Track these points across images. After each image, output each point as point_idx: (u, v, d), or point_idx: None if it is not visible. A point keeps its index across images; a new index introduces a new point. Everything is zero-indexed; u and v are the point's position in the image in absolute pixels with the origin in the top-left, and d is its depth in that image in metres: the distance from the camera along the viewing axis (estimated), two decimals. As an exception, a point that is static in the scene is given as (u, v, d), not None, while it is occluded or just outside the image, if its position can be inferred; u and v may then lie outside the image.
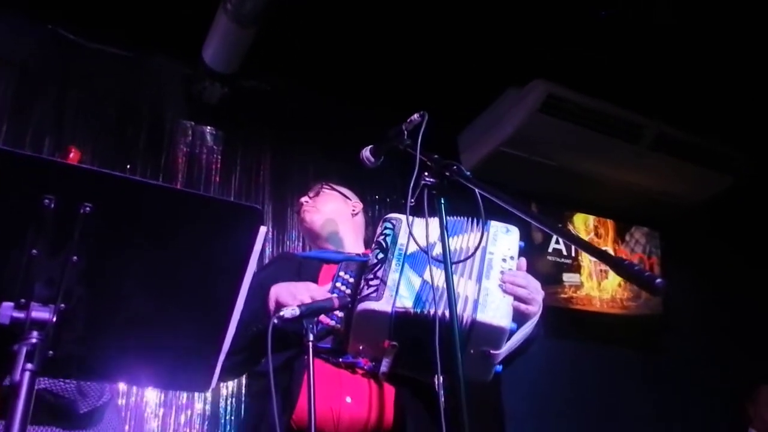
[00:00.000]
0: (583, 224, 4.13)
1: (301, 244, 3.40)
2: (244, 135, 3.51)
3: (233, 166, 3.45)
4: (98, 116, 3.15)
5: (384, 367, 1.42)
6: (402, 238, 1.50)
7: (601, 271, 4.10)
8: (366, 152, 1.68)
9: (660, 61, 3.47)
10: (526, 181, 3.85)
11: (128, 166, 3.16)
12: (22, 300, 0.86)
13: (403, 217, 1.48)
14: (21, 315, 0.84)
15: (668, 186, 4.01)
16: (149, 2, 3.11)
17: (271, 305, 1.49)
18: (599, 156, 3.69)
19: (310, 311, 1.38)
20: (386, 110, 3.51)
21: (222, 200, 1.12)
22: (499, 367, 1.42)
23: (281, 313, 1.33)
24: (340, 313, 1.50)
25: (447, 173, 1.33)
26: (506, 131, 3.48)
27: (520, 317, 1.44)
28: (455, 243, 1.50)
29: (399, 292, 1.39)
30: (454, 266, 1.34)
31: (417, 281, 1.43)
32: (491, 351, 1.36)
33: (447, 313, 1.26)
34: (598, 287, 4.08)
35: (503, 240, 1.54)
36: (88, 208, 0.86)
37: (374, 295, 1.39)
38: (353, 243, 1.93)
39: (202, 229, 0.91)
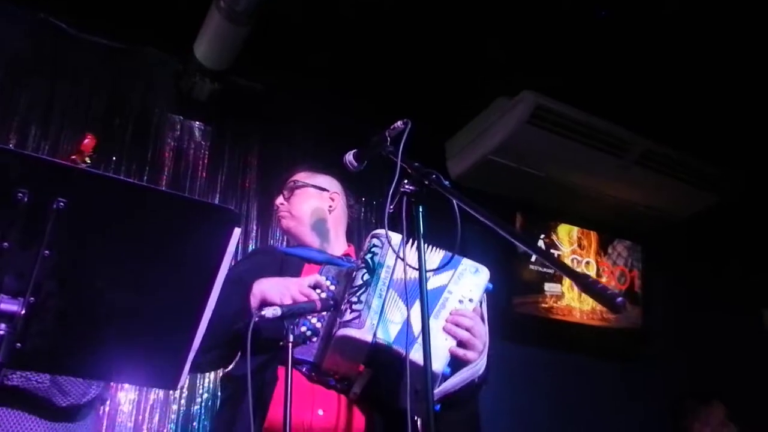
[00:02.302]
0: (566, 235, 4.16)
1: (285, 242, 3.40)
2: (233, 132, 3.51)
3: (220, 162, 3.44)
4: (86, 107, 3.14)
5: (356, 388, 1.44)
6: (389, 259, 1.51)
7: (582, 282, 4.12)
8: (349, 156, 1.69)
9: (649, 77, 3.50)
10: (511, 190, 3.88)
11: (114, 158, 3.14)
12: (-8, 290, 0.87)
13: (392, 236, 1.48)
14: (-11, 306, 0.85)
15: (652, 201, 4.05)
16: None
17: (254, 302, 1.49)
18: (585, 168, 3.72)
19: (292, 312, 1.38)
20: (375, 114, 3.54)
21: (196, 201, 1.12)
22: (437, 407, 1.42)
23: (262, 313, 1.33)
24: (318, 323, 1.51)
25: (426, 182, 1.34)
26: (494, 140, 3.51)
27: (457, 361, 1.45)
28: (430, 276, 1.49)
29: (379, 324, 1.40)
30: (416, 300, 1.35)
31: (397, 314, 1.44)
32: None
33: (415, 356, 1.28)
34: (579, 298, 4.10)
35: (468, 280, 1.54)
36: (61, 204, 0.86)
37: (356, 321, 1.40)
38: (334, 239, 1.92)
39: (175, 227, 0.92)
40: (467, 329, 1.46)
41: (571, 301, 4.06)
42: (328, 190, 1.96)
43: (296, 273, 1.70)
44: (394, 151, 1.48)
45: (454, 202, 1.29)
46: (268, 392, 1.45)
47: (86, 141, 1.95)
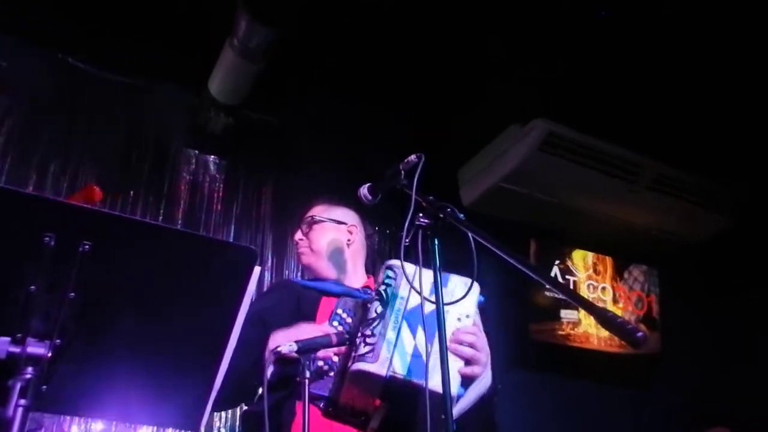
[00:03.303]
0: (581, 261, 4.14)
1: (300, 273, 3.42)
2: (247, 164, 3.55)
3: (235, 195, 3.49)
4: (104, 143, 3.20)
5: (374, 423, 1.44)
6: (403, 291, 1.51)
7: (599, 308, 4.09)
8: (364, 190, 1.70)
9: (659, 101, 3.51)
10: (525, 216, 3.88)
11: (131, 192, 3.19)
12: (19, 335, 0.88)
13: (406, 267, 1.49)
14: (17, 350, 0.86)
15: (666, 224, 4.03)
16: (158, 33, 3.18)
17: (269, 356, 1.49)
18: (598, 194, 3.71)
19: (308, 347, 1.38)
20: (388, 144, 3.59)
21: (217, 240, 1.14)
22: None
23: (279, 349, 1.34)
24: (335, 357, 1.51)
25: (441, 215, 1.36)
26: (506, 168, 3.52)
27: (467, 378, 1.47)
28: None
29: (394, 357, 1.40)
30: (427, 325, 1.35)
31: (411, 345, 1.44)
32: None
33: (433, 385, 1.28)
34: (596, 324, 4.06)
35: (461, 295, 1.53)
36: (87, 247, 0.88)
37: (370, 355, 1.40)
38: (353, 272, 1.93)
39: (197, 267, 0.94)
40: (470, 345, 1.47)
41: (588, 328, 4.03)
42: (345, 223, 1.98)
43: (313, 307, 1.71)
44: (409, 185, 1.49)
45: (470, 235, 1.30)
46: (285, 429, 1.45)
47: (96, 197, 1.97)
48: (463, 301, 1.49)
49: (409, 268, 1.48)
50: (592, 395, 3.98)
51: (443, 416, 1.20)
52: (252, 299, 1.94)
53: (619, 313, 4.16)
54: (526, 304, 3.84)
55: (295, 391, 1.47)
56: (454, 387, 1.40)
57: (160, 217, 3.21)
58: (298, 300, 1.74)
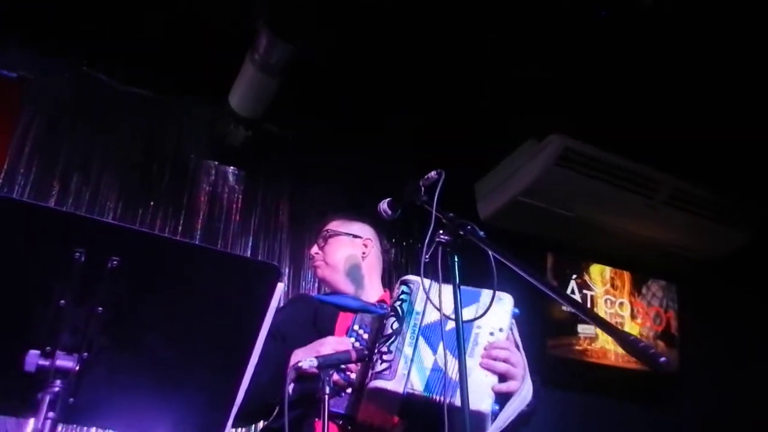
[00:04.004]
0: (599, 275, 4.12)
1: (317, 284, 3.43)
2: (265, 176, 3.58)
3: (253, 206, 3.51)
4: (124, 154, 3.25)
5: None
6: (418, 305, 1.51)
7: (616, 323, 4.06)
8: (383, 205, 1.72)
9: (674, 115, 3.50)
10: (542, 230, 3.87)
11: (151, 203, 3.23)
12: (48, 348, 0.90)
13: (419, 280, 1.49)
14: (46, 363, 0.88)
15: (684, 240, 4.00)
16: (179, 47, 3.22)
17: (289, 372, 1.49)
18: (615, 209, 3.70)
19: (328, 363, 1.39)
20: (405, 157, 3.61)
21: (241, 257, 1.16)
22: None
23: (300, 364, 1.35)
24: (353, 373, 1.51)
25: (461, 232, 1.36)
26: (523, 182, 3.52)
27: (503, 395, 1.45)
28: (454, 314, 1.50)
29: (411, 373, 1.40)
30: (451, 340, 1.35)
31: (430, 361, 1.44)
32: None
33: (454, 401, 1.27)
34: (613, 341, 4.03)
35: (494, 309, 1.53)
36: (115, 262, 0.90)
37: (387, 372, 1.40)
38: (369, 286, 1.94)
39: (221, 284, 0.95)
40: (504, 360, 1.45)
41: (605, 344, 4.00)
42: (361, 237, 1.99)
43: (331, 321, 1.71)
44: (429, 201, 1.50)
45: (490, 253, 1.31)
46: (305, 445, 1.46)
47: None
48: (496, 314, 1.49)
49: (425, 282, 1.49)
50: (609, 412, 3.94)
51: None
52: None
53: (637, 329, 4.13)
54: (544, 318, 3.82)
55: (313, 409, 1.47)
56: (488, 404, 1.38)
57: (180, 227, 3.24)
58: (314, 314, 1.75)
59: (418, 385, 1.40)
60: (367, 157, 3.71)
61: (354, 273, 1.91)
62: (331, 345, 1.51)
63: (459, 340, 1.31)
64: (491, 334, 1.50)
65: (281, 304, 2.34)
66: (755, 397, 3.96)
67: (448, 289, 1.43)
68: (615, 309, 4.10)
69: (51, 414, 0.87)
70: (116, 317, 0.92)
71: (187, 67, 3.29)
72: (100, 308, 0.91)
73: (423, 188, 1.57)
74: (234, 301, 0.96)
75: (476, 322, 1.50)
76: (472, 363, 1.43)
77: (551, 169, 3.45)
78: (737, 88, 3.25)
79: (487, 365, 1.44)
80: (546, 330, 3.81)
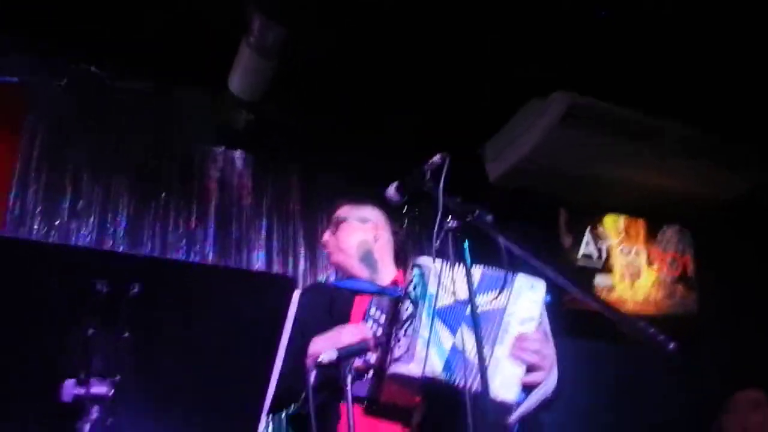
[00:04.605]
0: (613, 226, 4.13)
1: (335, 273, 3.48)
2: (273, 157, 3.60)
3: (264, 188, 3.54)
4: (131, 150, 3.27)
5: (416, 418, 1.49)
6: (432, 287, 1.52)
7: (633, 272, 4.09)
8: (391, 190, 1.72)
9: (677, 62, 3.44)
10: (553, 188, 3.87)
11: (163, 195, 3.27)
12: (82, 375, 0.94)
13: (431, 263, 1.51)
14: (82, 391, 0.93)
15: (695, 186, 3.98)
16: (174, 38, 3.20)
17: (310, 362, 1.53)
18: (625, 161, 3.68)
19: (348, 354, 1.43)
20: (412, 127, 3.60)
21: (257, 273, 1.19)
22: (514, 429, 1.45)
23: (320, 360, 1.38)
24: (373, 356, 1.55)
25: (468, 218, 1.38)
26: (529, 143, 3.51)
27: (528, 385, 1.48)
28: (485, 299, 1.51)
29: (429, 356, 1.43)
30: (477, 325, 1.37)
31: (448, 342, 1.46)
32: (500, 422, 1.40)
33: (474, 385, 1.30)
34: (630, 288, 4.07)
35: (525, 298, 1.54)
36: (136, 289, 0.94)
37: (405, 356, 1.43)
38: (383, 268, 1.96)
39: (240, 300, 0.99)
40: (534, 352, 1.48)
41: (623, 293, 4.03)
42: (371, 221, 2.01)
43: (347, 306, 1.74)
44: (435, 186, 1.51)
45: (500, 241, 1.32)
46: (332, 430, 1.51)
47: None
48: (528, 302, 1.50)
49: (436, 264, 1.51)
50: (629, 357, 3.98)
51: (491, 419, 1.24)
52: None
53: (654, 275, 4.15)
54: (558, 272, 3.84)
55: (337, 393, 1.52)
56: (514, 393, 1.42)
57: (193, 217, 3.29)
58: (331, 301, 1.78)
59: (437, 367, 1.44)
60: (374, 130, 3.71)
61: (367, 257, 1.94)
62: (349, 332, 1.55)
63: (476, 323, 1.34)
64: (521, 323, 1.51)
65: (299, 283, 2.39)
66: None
67: (459, 274, 1.46)
68: (631, 257, 4.12)
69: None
70: (143, 340, 0.96)
71: (185, 57, 3.27)
72: (127, 333, 0.95)
73: (428, 173, 1.57)
74: (253, 315, 1.00)
75: (507, 309, 1.51)
76: (502, 352, 1.46)
77: (557, 128, 3.43)
78: (739, 33, 3.18)
79: (518, 356, 1.46)
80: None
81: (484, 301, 1.52)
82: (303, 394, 1.60)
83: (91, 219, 3.04)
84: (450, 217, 1.42)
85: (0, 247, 0.91)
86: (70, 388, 0.93)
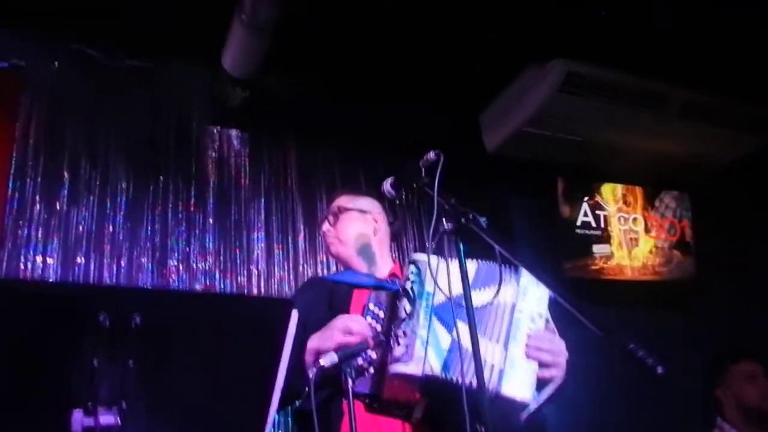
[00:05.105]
0: (611, 194, 4.13)
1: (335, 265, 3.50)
2: (269, 135, 3.58)
3: (261, 166, 3.53)
4: (128, 132, 3.25)
5: (417, 413, 1.53)
6: (428, 284, 1.55)
7: (631, 239, 4.11)
8: (387, 185, 1.74)
9: (681, 23, 3.39)
10: (551, 157, 3.86)
11: (161, 178, 3.27)
12: (89, 404, 0.97)
13: (427, 260, 1.53)
14: (90, 422, 0.96)
15: (694, 150, 3.98)
16: (167, 15, 3.15)
17: (309, 359, 1.57)
18: (623, 127, 3.67)
19: (347, 355, 1.46)
20: (407, 96, 3.58)
21: (255, 299, 1.21)
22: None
23: (321, 363, 1.42)
24: (373, 353, 1.58)
25: (463, 220, 1.39)
26: (527, 111, 3.49)
27: (541, 381, 1.52)
28: (487, 294, 1.53)
29: (428, 354, 1.46)
30: (481, 321, 1.39)
31: (446, 341, 1.49)
32: (513, 418, 1.44)
33: (473, 382, 1.33)
34: (629, 256, 4.10)
35: (533, 293, 1.56)
36: (138, 319, 0.96)
37: (405, 357, 1.47)
38: (380, 260, 1.99)
39: (239, 326, 1.01)
40: (548, 350, 1.52)
41: (621, 260, 4.07)
42: (371, 213, 2.02)
43: (346, 300, 1.78)
44: (430, 184, 1.51)
45: (496, 248, 1.34)
46: (335, 426, 1.55)
47: None
48: (536, 299, 1.53)
49: (434, 261, 1.53)
50: (628, 321, 4.03)
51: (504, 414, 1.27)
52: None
53: (651, 242, 4.18)
54: (559, 243, 3.88)
55: (339, 390, 1.56)
56: (530, 392, 1.46)
57: (192, 200, 3.29)
58: (330, 296, 1.81)
59: (436, 367, 1.47)
60: (370, 103, 3.68)
61: (366, 249, 1.96)
62: (343, 329, 1.56)
63: (470, 319, 1.36)
64: (532, 320, 1.53)
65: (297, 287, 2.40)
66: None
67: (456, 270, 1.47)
68: (629, 225, 4.14)
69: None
70: (147, 368, 0.98)
71: (179, 35, 3.23)
72: (131, 362, 0.98)
73: (423, 169, 1.57)
74: (253, 339, 1.02)
75: (517, 306, 1.53)
76: (516, 351, 1.48)
77: (555, 96, 3.41)
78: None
79: (534, 356, 1.49)
80: (562, 254, 3.88)
81: (484, 295, 1.55)
82: (305, 391, 1.65)
83: (91, 205, 3.04)
84: (445, 219, 1.43)
85: (7, 290, 0.94)
86: (78, 419, 0.96)
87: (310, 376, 1.44)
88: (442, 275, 1.47)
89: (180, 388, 1.01)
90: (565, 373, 1.56)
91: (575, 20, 3.31)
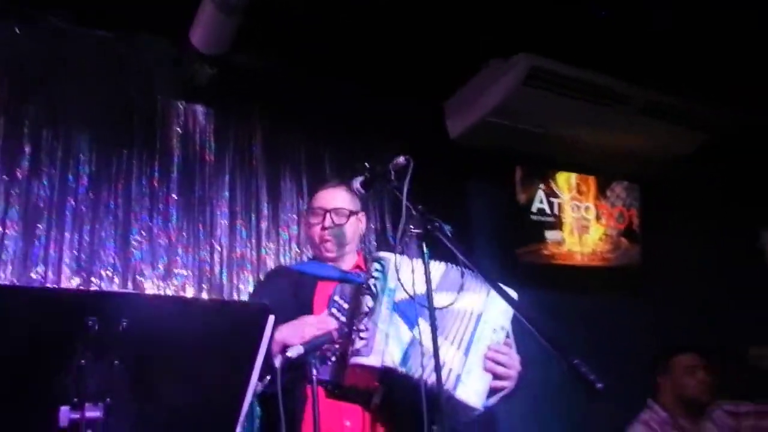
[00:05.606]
0: (566, 183, 4.29)
1: (296, 216, 3.57)
2: (235, 112, 3.59)
3: (226, 144, 3.54)
4: (92, 103, 3.21)
5: (376, 399, 1.63)
6: (391, 282, 1.64)
7: (582, 226, 4.30)
8: (356, 184, 1.80)
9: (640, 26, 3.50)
10: (512, 146, 3.98)
11: (125, 151, 3.25)
12: (76, 399, 1.04)
13: (391, 258, 1.61)
14: (77, 416, 1.02)
15: (647, 145, 4.15)
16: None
17: (276, 348, 1.64)
18: (582, 122, 3.80)
19: (313, 347, 1.55)
20: (373, 80, 3.63)
21: (234, 303, 1.28)
22: None
23: (288, 354, 1.50)
24: (336, 344, 1.67)
25: (429, 227, 1.47)
26: (491, 103, 3.58)
27: (492, 390, 1.63)
28: (452, 299, 1.62)
29: (388, 347, 1.56)
30: (444, 324, 1.49)
31: (406, 336, 1.59)
32: (461, 419, 1.55)
33: (430, 379, 1.43)
34: (579, 242, 4.29)
35: (500, 306, 1.64)
36: (125, 323, 1.02)
37: (365, 349, 1.56)
38: (349, 251, 2.06)
39: (219, 329, 1.08)
40: (504, 364, 1.62)
41: (572, 246, 4.25)
42: (358, 213, 2.07)
43: (310, 293, 1.84)
44: (399, 188, 1.59)
45: (458, 255, 1.43)
46: (299, 410, 1.65)
47: None
48: (501, 311, 1.62)
49: (398, 258, 1.61)
50: (578, 305, 4.23)
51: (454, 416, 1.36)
52: (251, 292, 2.08)
53: (601, 230, 4.37)
54: (514, 231, 4.03)
55: (303, 375, 1.64)
56: (482, 400, 1.57)
57: (156, 174, 3.29)
58: (295, 286, 1.88)
59: (396, 359, 1.58)
60: (337, 81, 3.71)
61: (352, 247, 2.03)
62: (313, 326, 1.65)
63: (432, 320, 1.46)
64: (494, 331, 1.63)
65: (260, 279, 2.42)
66: (713, 284, 4.28)
67: (421, 269, 1.56)
68: (581, 213, 4.31)
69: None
70: (131, 368, 1.05)
71: (147, 7, 3.17)
72: (117, 361, 1.04)
73: (393, 173, 1.65)
74: (232, 342, 1.10)
75: (483, 317, 1.62)
76: (474, 360, 1.58)
77: (519, 89, 3.50)
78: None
79: (490, 368, 1.59)
80: (516, 241, 4.03)
81: (450, 299, 1.63)
82: (268, 377, 1.73)
83: (53, 177, 3.02)
84: (413, 225, 1.51)
85: (4, 295, 0.98)
86: (66, 414, 1.02)
87: (277, 364, 1.52)
88: (407, 274, 1.56)
89: (161, 386, 1.08)
90: (515, 384, 1.67)
91: (544, 16, 3.39)
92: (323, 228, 1.99)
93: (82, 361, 1.02)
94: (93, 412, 1.03)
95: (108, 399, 1.05)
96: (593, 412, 3.36)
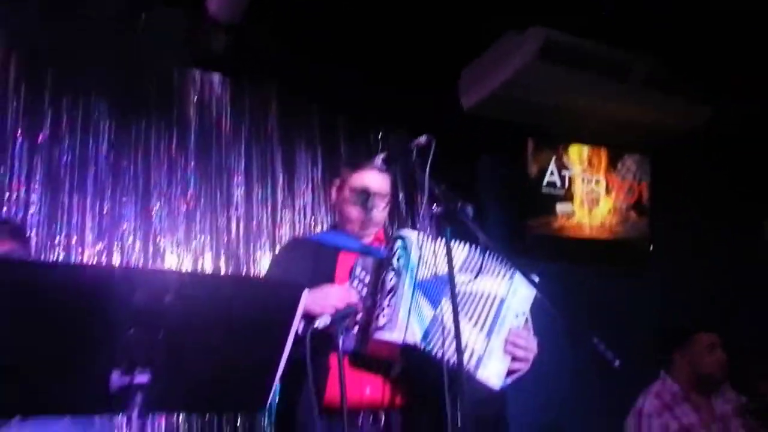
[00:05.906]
0: (577, 155, 4.32)
1: (311, 185, 3.63)
2: (251, 82, 3.62)
3: (242, 112, 3.59)
4: (108, 75, 3.25)
5: (396, 369, 1.71)
6: (414, 260, 1.69)
7: (592, 199, 4.34)
8: (378, 162, 1.84)
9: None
10: (523, 119, 4.01)
11: (144, 121, 3.30)
12: (125, 366, 1.12)
13: (414, 236, 1.67)
14: (126, 380, 1.11)
15: (660, 116, 4.16)
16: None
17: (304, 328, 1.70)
18: (595, 94, 3.82)
19: (339, 318, 1.62)
20: (390, 56, 3.63)
21: (271, 282, 1.35)
22: None
23: (316, 325, 1.57)
24: (359, 314, 1.73)
25: (451, 208, 1.53)
26: (504, 76, 3.59)
27: (509, 372, 1.70)
28: (478, 281, 1.67)
29: (410, 324, 1.62)
30: (467, 305, 1.54)
31: (428, 314, 1.65)
32: (476, 393, 1.63)
33: (452, 359, 1.50)
34: (589, 215, 4.34)
35: (522, 293, 1.70)
36: (169, 299, 1.10)
37: (388, 325, 1.63)
38: (373, 225, 2.10)
39: (256, 305, 1.16)
40: (523, 348, 1.69)
41: (581, 219, 4.30)
42: (387, 193, 2.07)
43: (332, 264, 1.89)
44: (422, 166, 1.62)
45: (480, 236, 1.48)
46: (323, 378, 1.72)
47: None
48: (523, 297, 1.69)
49: (421, 236, 1.67)
50: (587, 278, 4.30)
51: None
52: (271, 263, 2.13)
53: (610, 203, 4.42)
54: (525, 204, 4.08)
55: (329, 343, 1.72)
56: (500, 382, 1.64)
57: (173, 143, 3.35)
58: (315, 258, 1.92)
59: (417, 336, 1.64)
60: (352, 54, 3.72)
61: (368, 221, 2.02)
62: (335, 297, 1.70)
63: (454, 299, 1.52)
64: (516, 316, 1.69)
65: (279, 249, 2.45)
66: (721, 260, 4.35)
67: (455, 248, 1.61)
68: (591, 186, 4.35)
69: (136, 411, 1.12)
70: (174, 339, 1.13)
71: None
72: (161, 333, 1.12)
73: (414, 151, 1.68)
74: (268, 317, 1.17)
75: (506, 301, 1.68)
76: (498, 344, 1.65)
77: (533, 63, 3.51)
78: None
79: (510, 351, 1.66)
80: (527, 214, 4.09)
81: (481, 283, 1.68)
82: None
83: (73, 147, 3.08)
84: (435, 203, 1.56)
85: (67, 272, 1.06)
86: (116, 379, 1.10)
87: (300, 332, 1.59)
88: (429, 253, 1.62)
89: (201, 356, 1.16)
90: (530, 367, 1.74)
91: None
92: (366, 209, 1.98)
93: (131, 331, 1.10)
94: (141, 378, 1.11)
95: (154, 366, 1.13)
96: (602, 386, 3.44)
